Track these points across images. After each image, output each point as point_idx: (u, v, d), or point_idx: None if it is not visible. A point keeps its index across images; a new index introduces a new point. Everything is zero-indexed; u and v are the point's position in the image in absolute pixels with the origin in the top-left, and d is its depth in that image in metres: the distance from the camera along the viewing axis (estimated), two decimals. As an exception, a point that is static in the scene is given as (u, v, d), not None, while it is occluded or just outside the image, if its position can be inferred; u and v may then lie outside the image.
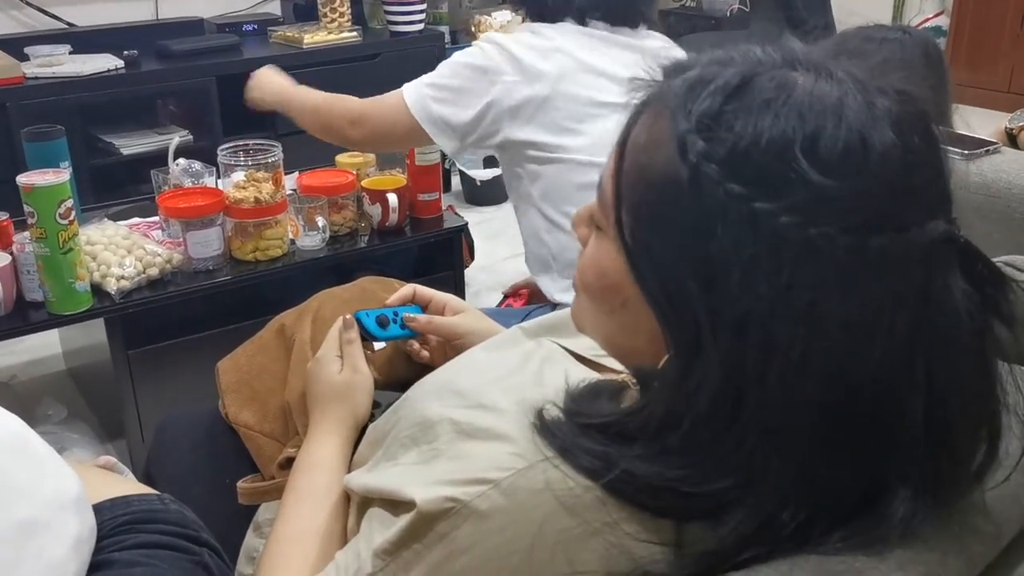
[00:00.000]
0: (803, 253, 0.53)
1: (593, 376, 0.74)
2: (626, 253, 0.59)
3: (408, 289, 1.02)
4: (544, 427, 0.62)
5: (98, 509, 0.80)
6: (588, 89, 1.47)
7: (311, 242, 1.82)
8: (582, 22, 1.53)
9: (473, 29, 3.56)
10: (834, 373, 0.54)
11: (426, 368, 0.99)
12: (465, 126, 1.51)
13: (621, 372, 0.74)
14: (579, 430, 0.62)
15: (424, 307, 1.02)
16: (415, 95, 1.53)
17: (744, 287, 0.53)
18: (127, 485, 0.90)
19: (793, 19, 3.57)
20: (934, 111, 0.58)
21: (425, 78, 1.55)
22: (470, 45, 1.56)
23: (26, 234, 1.54)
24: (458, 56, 1.54)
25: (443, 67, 1.55)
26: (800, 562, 0.55)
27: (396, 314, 0.98)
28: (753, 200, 0.53)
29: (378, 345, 1.02)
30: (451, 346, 0.98)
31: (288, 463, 0.96)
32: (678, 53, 1.55)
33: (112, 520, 0.80)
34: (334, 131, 1.67)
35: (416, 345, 1.01)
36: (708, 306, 0.54)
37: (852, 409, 0.55)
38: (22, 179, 1.46)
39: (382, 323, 0.97)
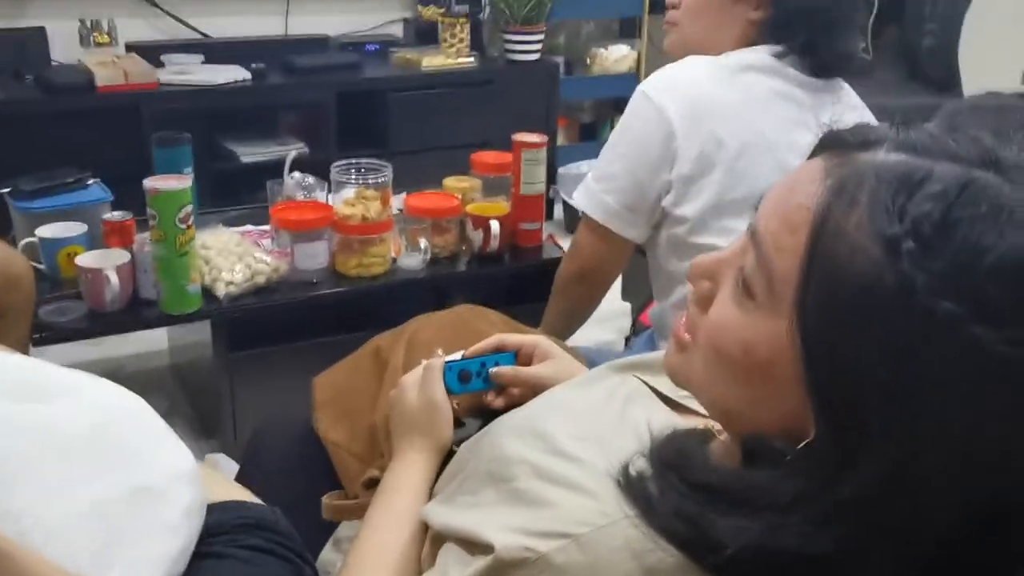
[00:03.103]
0: (1017, 388, 0.50)
1: (675, 421, 0.73)
2: (804, 345, 0.55)
3: (494, 340, 1.01)
4: (628, 484, 0.62)
5: (219, 508, 0.87)
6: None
7: (412, 262, 1.86)
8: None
9: (588, 62, 3.59)
10: (996, 505, 0.53)
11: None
12: None
13: (703, 415, 0.73)
14: (667, 486, 0.61)
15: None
16: None
17: (935, 409, 0.51)
18: (240, 490, 0.95)
19: (916, 71, 3.47)
20: None
21: None
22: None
23: (146, 234, 1.62)
24: None
25: None
26: None
27: (483, 365, 0.98)
28: (971, 323, 0.50)
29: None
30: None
31: (372, 483, 0.98)
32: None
33: (230, 519, 0.86)
34: (568, 284, 1.61)
35: (491, 395, 1.00)
36: (887, 420, 0.52)
37: (999, 535, 0.54)
38: (148, 183, 1.54)
39: (464, 378, 0.97)
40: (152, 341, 2.33)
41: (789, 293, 0.56)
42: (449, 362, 0.98)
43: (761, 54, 1.38)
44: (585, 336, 1.76)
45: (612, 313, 2.67)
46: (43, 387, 0.82)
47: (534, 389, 0.96)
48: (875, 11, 3.87)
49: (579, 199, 1.50)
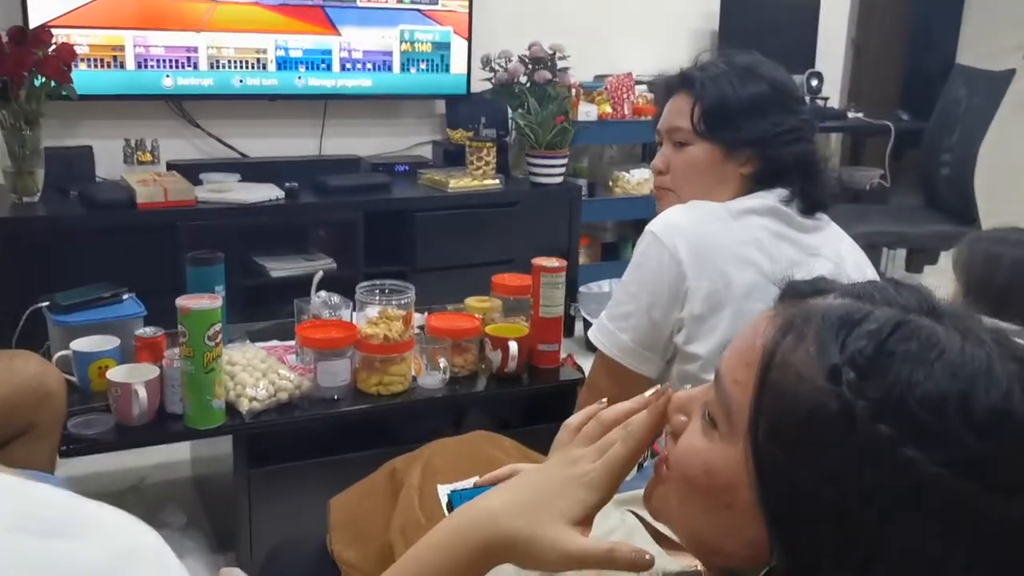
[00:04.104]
0: (946, 505, 0.54)
1: (665, 562, 0.76)
2: (757, 468, 0.60)
3: (506, 469, 1.03)
4: None
5: None
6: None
7: (431, 381, 1.90)
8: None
9: (610, 184, 3.69)
10: None
11: None
12: None
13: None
14: None
15: None
16: None
17: (877, 527, 0.55)
18: None
19: (933, 198, 3.54)
20: None
21: None
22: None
23: (176, 350, 1.67)
24: None
25: None
26: None
27: None
28: (903, 445, 0.54)
29: None
30: None
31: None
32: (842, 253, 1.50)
33: None
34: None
35: None
36: (835, 537, 0.56)
37: None
38: (180, 302, 1.60)
39: None
40: (175, 452, 2.36)
41: (744, 421, 0.61)
42: (461, 491, 1.00)
43: (761, 199, 1.45)
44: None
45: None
46: (65, 521, 0.83)
47: None
48: (892, 139, 3.98)
49: (595, 337, 1.52)
